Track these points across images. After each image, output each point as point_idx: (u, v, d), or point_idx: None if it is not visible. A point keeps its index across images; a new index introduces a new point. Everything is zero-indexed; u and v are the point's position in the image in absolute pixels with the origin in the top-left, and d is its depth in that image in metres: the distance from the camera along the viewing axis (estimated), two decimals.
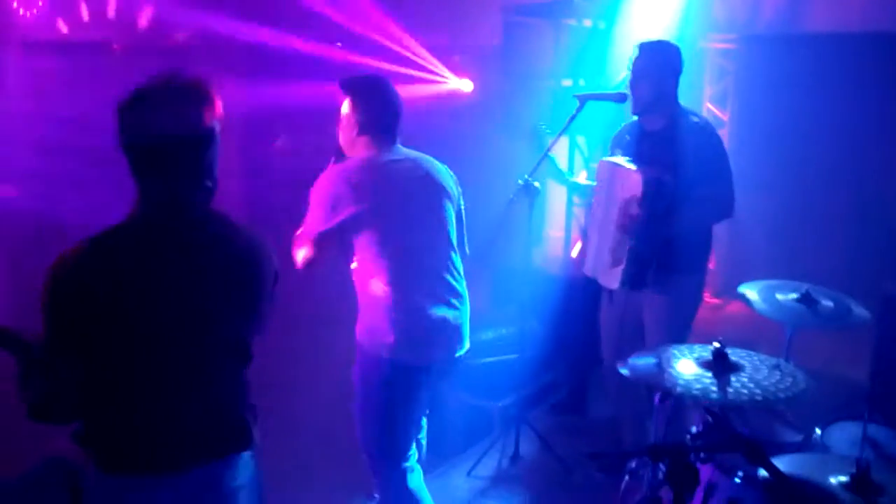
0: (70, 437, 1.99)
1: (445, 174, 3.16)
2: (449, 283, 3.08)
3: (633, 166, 3.52)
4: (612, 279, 3.60)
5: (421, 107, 6.46)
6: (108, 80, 6.34)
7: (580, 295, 4.65)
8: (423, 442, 3.35)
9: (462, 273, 3.17)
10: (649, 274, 3.52)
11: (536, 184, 3.95)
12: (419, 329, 2.99)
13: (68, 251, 1.87)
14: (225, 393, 2.08)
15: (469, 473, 4.16)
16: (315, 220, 2.93)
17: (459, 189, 3.22)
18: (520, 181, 3.92)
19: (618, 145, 3.81)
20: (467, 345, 3.18)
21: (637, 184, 3.43)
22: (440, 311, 3.02)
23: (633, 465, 3.11)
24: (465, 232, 3.25)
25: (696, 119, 3.66)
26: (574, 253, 6.09)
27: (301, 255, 2.95)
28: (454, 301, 3.09)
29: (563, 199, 6.15)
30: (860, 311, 3.39)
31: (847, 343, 4.66)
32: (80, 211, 3.68)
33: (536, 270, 5.29)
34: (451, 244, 3.12)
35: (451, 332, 3.08)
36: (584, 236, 5.83)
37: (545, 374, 4.99)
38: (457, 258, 3.14)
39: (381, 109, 3.05)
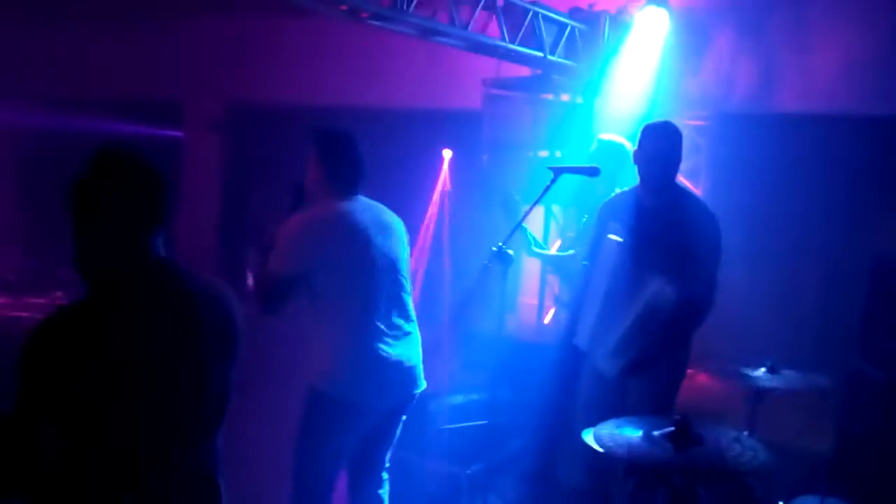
0: None
1: (397, 223, 3.42)
2: (398, 324, 3.28)
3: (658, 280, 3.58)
4: (611, 367, 3.66)
5: (396, 170, 6.61)
6: None
7: (552, 363, 4.67)
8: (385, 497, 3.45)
9: (412, 313, 3.40)
10: (648, 363, 3.60)
11: (510, 251, 4.01)
12: (367, 369, 3.15)
13: (49, 317, 1.85)
14: (206, 454, 2.08)
15: None
16: (278, 263, 3.10)
17: (408, 237, 3.49)
18: (493, 248, 3.98)
19: (611, 217, 3.86)
20: (423, 384, 3.38)
21: (659, 299, 3.52)
22: (392, 352, 3.21)
23: None
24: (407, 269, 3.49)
25: (697, 198, 3.75)
26: (547, 320, 6.14)
27: (260, 296, 3.12)
28: (403, 340, 3.28)
29: (536, 266, 6.22)
30: (821, 379, 3.48)
31: (813, 417, 4.71)
32: None
33: (509, 337, 5.32)
34: (403, 289, 3.33)
35: (399, 374, 3.25)
36: (559, 304, 5.89)
37: (515, 441, 4.97)
38: (407, 299, 3.36)
39: (346, 165, 3.27)
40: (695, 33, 5.89)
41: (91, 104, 9.51)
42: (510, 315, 6.04)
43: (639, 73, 5.51)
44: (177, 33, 8.13)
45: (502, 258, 4.00)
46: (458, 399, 4.81)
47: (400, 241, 3.38)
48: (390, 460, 3.60)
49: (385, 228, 3.32)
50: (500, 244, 3.97)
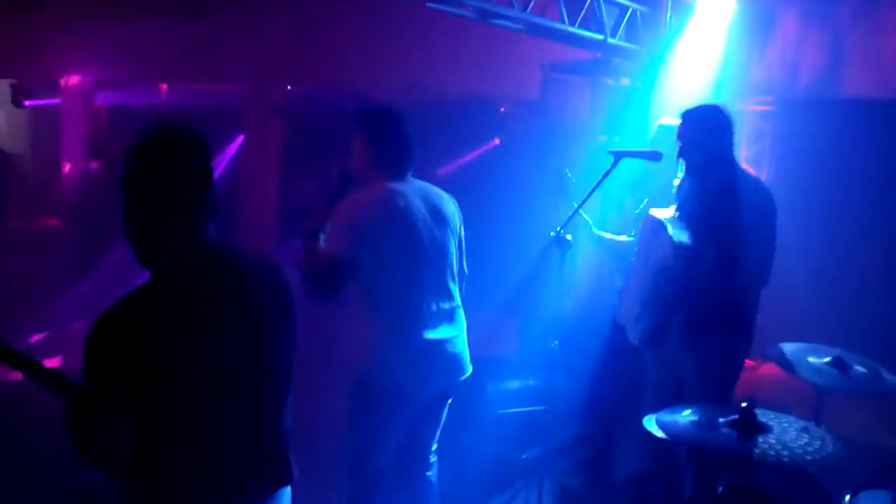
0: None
1: (449, 204, 3.35)
2: (444, 310, 3.24)
3: (674, 231, 3.53)
4: (633, 334, 3.63)
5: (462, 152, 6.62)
6: None
7: (611, 350, 4.64)
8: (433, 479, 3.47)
9: (458, 299, 3.35)
10: (670, 335, 3.51)
11: (569, 236, 3.98)
12: (410, 354, 3.13)
13: (112, 305, 1.90)
14: (276, 427, 2.12)
15: None
16: (331, 247, 3.06)
17: (461, 217, 3.41)
18: (552, 233, 3.96)
19: (677, 197, 3.82)
20: (469, 369, 3.34)
21: (668, 254, 3.47)
22: (437, 340, 3.18)
23: None
24: (464, 256, 3.46)
25: (750, 176, 3.68)
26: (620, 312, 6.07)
27: (312, 283, 3.05)
28: (449, 325, 3.25)
29: (594, 252, 6.16)
30: (892, 377, 3.37)
31: (880, 410, 4.59)
32: None
33: (567, 322, 5.29)
34: (450, 274, 3.29)
35: (445, 359, 3.23)
36: (614, 291, 5.83)
37: (572, 428, 4.96)
38: (453, 286, 3.31)
39: (394, 146, 3.22)
40: (760, 16, 5.75)
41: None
42: (568, 300, 6.00)
43: (701, 58, 5.41)
44: (239, 21, 8.22)
45: (560, 243, 3.98)
46: (515, 384, 4.81)
47: (451, 224, 3.32)
48: (443, 442, 3.63)
49: (437, 212, 3.27)
50: (559, 229, 3.96)
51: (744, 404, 2.45)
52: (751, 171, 4.63)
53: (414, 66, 6.95)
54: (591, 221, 4.17)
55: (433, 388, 3.27)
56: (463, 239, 3.44)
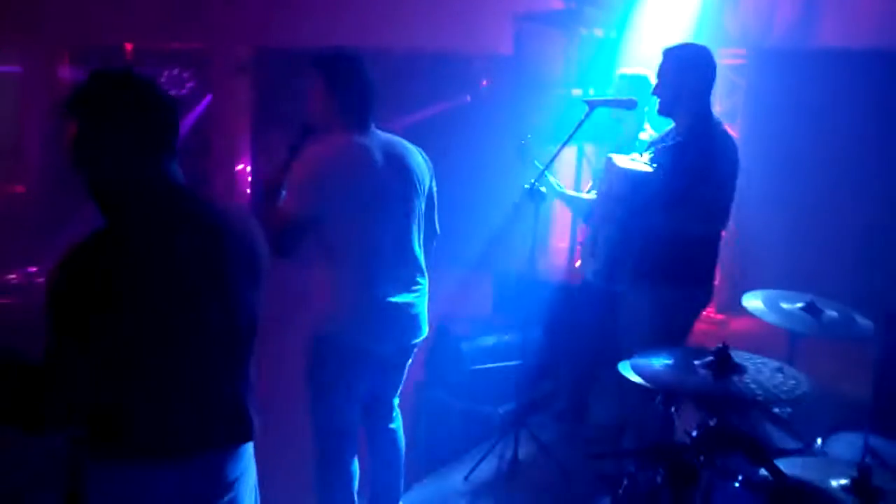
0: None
1: (417, 158, 3.18)
2: (407, 272, 3.14)
3: (627, 163, 3.48)
4: (587, 268, 3.60)
5: (432, 108, 6.52)
6: None
7: (583, 304, 4.62)
8: (399, 434, 3.44)
9: (422, 262, 3.23)
10: (623, 273, 3.46)
11: (543, 188, 3.94)
12: (371, 313, 3.04)
13: (68, 251, 1.80)
14: (236, 382, 2.05)
15: (466, 478, 4.12)
16: (291, 204, 2.93)
17: (432, 172, 3.25)
18: (525, 185, 3.91)
19: (649, 147, 3.74)
20: (425, 331, 3.26)
21: (617, 180, 3.42)
22: (397, 300, 3.08)
23: (633, 468, 3.08)
24: (435, 212, 3.32)
25: (722, 126, 3.60)
26: (578, 263, 6.07)
27: (272, 238, 2.84)
28: (411, 289, 3.15)
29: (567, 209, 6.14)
30: (864, 322, 3.37)
31: (850, 359, 4.62)
32: None
33: (540, 278, 5.27)
34: (416, 235, 3.16)
35: (406, 320, 3.15)
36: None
37: (546, 381, 4.96)
38: (418, 248, 3.19)
39: (355, 93, 3.02)
40: None
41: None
42: (541, 257, 5.99)
43: (675, 7, 5.34)
44: None
45: (534, 196, 3.94)
46: (490, 340, 4.79)
47: (419, 179, 3.15)
48: (421, 399, 3.60)
49: (402, 167, 3.09)
50: (533, 181, 3.91)
51: (719, 346, 2.43)
52: (732, 130, 4.60)
53: (382, 21, 6.83)
54: (555, 180, 4.10)
55: (391, 345, 3.19)
56: (434, 195, 3.29)
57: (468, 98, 6.78)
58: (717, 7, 5.64)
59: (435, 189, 3.29)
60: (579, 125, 3.88)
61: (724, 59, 6.47)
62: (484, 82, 6.78)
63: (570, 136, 3.92)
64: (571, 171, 5.81)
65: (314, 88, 3.05)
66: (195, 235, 1.93)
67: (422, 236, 3.22)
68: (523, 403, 4.34)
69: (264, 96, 8.10)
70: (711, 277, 3.72)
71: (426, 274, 3.27)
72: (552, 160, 3.94)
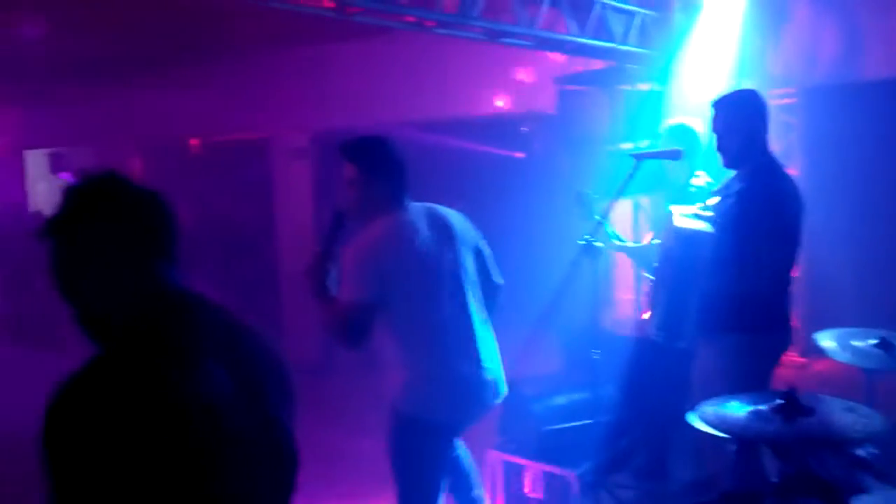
0: None
1: (458, 220, 3.22)
2: (473, 337, 3.14)
3: (685, 221, 3.49)
4: (649, 324, 3.58)
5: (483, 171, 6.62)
6: None
7: (654, 356, 4.57)
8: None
9: (486, 320, 3.22)
10: (685, 327, 3.43)
11: (598, 244, 3.97)
12: (446, 389, 3.05)
13: (67, 384, 1.49)
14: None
15: None
16: (349, 292, 2.95)
17: (475, 229, 3.28)
18: (580, 241, 3.95)
19: (714, 195, 3.74)
20: (503, 391, 3.25)
21: (671, 238, 3.43)
22: (468, 369, 3.09)
23: None
24: (490, 264, 3.31)
25: (770, 170, 3.57)
26: (646, 315, 6.01)
27: (337, 330, 2.95)
28: (481, 354, 3.14)
29: (629, 260, 6.12)
30: None
31: None
32: None
33: (607, 333, 5.24)
34: (472, 294, 3.17)
35: (482, 389, 3.15)
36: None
37: (622, 438, 4.87)
38: (478, 309, 3.19)
39: (393, 174, 3.08)
40: (772, 6, 5.71)
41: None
42: (607, 311, 5.96)
43: (716, 55, 5.38)
44: (253, 69, 8.42)
45: (590, 251, 3.96)
46: (561, 399, 4.74)
47: (464, 239, 3.19)
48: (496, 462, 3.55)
49: (446, 232, 3.14)
50: (587, 237, 3.94)
51: (785, 389, 2.40)
52: (790, 170, 4.56)
53: (431, 93, 7.03)
54: (610, 231, 4.14)
55: (472, 416, 3.20)
56: (485, 250, 3.32)
57: (519, 155, 6.87)
58: (757, 49, 5.66)
59: (482, 242, 3.32)
60: (628, 179, 3.91)
61: (773, 100, 6.45)
62: (524, 141, 6.91)
63: (621, 190, 3.95)
64: (628, 223, 5.80)
65: (350, 177, 3.10)
66: (221, 349, 1.65)
67: (479, 295, 3.24)
68: (601, 463, 4.28)
69: (322, 178, 8.35)
70: (787, 320, 3.63)
71: (491, 330, 3.27)
72: (606, 214, 3.98)
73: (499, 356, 3.29)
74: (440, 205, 3.27)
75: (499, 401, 3.28)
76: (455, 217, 3.24)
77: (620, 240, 4.17)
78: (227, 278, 8.07)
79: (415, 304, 3.03)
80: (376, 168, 3.07)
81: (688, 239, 3.39)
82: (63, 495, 1.44)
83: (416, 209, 3.15)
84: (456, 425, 3.17)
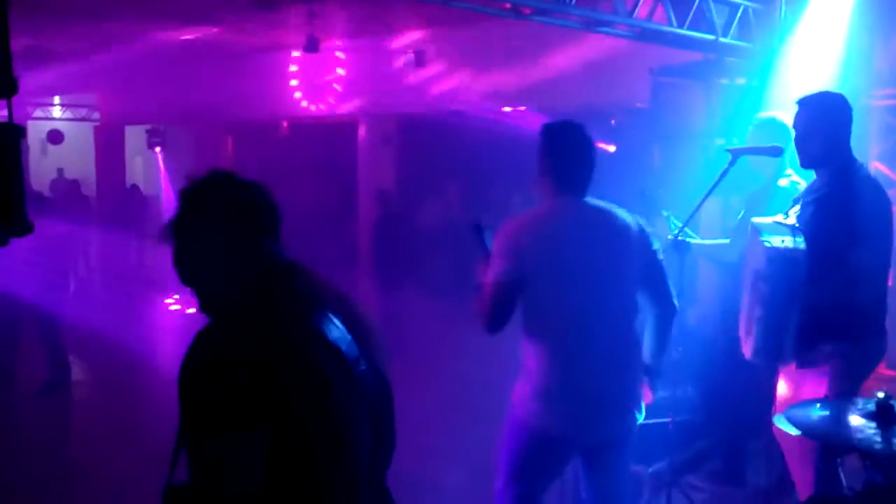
0: None
1: (627, 229, 3.03)
2: (612, 351, 2.94)
3: (768, 237, 3.35)
4: (747, 348, 3.46)
5: None
6: None
7: (738, 362, 4.46)
8: None
9: (635, 340, 3.03)
10: (787, 346, 3.32)
11: (688, 239, 3.90)
12: (565, 397, 2.90)
13: (217, 341, 1.72)
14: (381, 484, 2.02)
15: None
16: (490, 273, 2.90)
17: (649, 238, 3.09)
18: (669, 237, 3.88)
19: (795, 203, 3.62)
20: (636, 419, 3.04)
21: (761, 258, 3.30)
22: (594, 382, 2.90)
23: None
24: (662, 282, 3.10)
25: (871, 175, 3.47)
26: (743, 336, 5.86)
27: (482, 310, 2.89)
28: (615, 370, 2.95)
29: None
30: None
31: None
32: None
33: (691, 331, 5.14)
34: (618, 304, 2.99)
35: (606, 406, 2.96)
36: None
37: (700, 439, 4.79)
38: (627, 323, 3.00)
39: (563, 156, 3.02)
40: (881, 4, 5.47)
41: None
42: (691, 309, 5.83)
43: (820, 52, 5.18)
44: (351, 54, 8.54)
45: (679, 247, 3.88)
46: None
47: (625, 249, 2.99)
48: None
49: (606, 236, 2.98)
50: (676, 233, 3.87)
51: (880, 395, 2.31)
52: (888, 170, 4.36)
53: (520, 81, 6.99)
54: (689, 231, 4.04)
55: (593, 436, 3.00)
56: (655, 263, 3.08)
57: (613, 148, 6.77)
58: (865, 46, 5.43)
59: (654, 257, 3.09)
60: (722, 175, 3.82)
61: (878, 101, 6.19)
62: (614, 131, 6.80)
63: (714, 186, 3.86)
64: (716, 222, 5.67)
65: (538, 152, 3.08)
66: (339, 315, 1.86)
67: (631, 308, 3.04)
68: (676, 462, 4.21)
69: (411, 162, 8.44)
70: (882, 328, 3.50)
71: (639, 355, 3.07)
72: (695, 211, 3.89)
73: (638, 380, 3.07)
74: (617, 207, 3.11)
75: (626, 427, 3.04)
76: (628, 224, 3.05)
77: (691, 236, 4.06)
78: (307, 257, 8.25)
79: (547, 294, 2.90)
80: (556, 148, 3.03)
81: (780, 259, 3.25)
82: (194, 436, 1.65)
83: (586, 205, 3.04)
84: (572, 440, 2.98)
